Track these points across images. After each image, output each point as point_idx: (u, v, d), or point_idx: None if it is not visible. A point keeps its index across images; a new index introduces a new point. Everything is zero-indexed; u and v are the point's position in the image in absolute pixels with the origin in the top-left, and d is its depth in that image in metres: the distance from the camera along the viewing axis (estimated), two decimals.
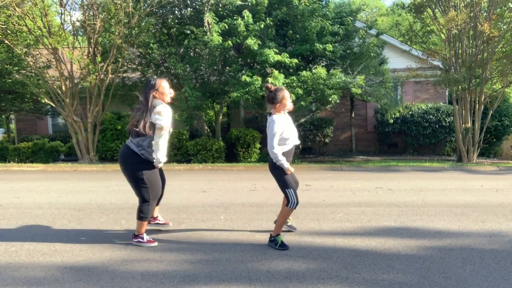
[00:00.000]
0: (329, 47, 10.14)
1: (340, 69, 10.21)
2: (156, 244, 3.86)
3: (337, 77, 9.84)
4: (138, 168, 3.71)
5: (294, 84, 9.82)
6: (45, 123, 16.02)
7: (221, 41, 9.72)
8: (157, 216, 4.34)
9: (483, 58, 10.97)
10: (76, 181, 8.02)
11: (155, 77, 3.94)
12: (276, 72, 9.60)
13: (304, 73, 9.82)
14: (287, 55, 9.79)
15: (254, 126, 13.14)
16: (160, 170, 3.96)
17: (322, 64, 11.13)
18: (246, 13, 9.85)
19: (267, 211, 5.22)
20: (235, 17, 9.91)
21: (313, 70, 9.84)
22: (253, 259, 3.50)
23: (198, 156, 11.47)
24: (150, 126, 3.61)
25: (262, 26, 9.94)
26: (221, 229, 4.39)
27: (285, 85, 9.79)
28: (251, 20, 9.85)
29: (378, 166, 10.42)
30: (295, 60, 9.90)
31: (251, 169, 10.06)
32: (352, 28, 11.42)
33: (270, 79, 9.50)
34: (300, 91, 9.78)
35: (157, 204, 4.10)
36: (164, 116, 3.62)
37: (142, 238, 3.85)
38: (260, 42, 9.84)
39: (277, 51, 9.83)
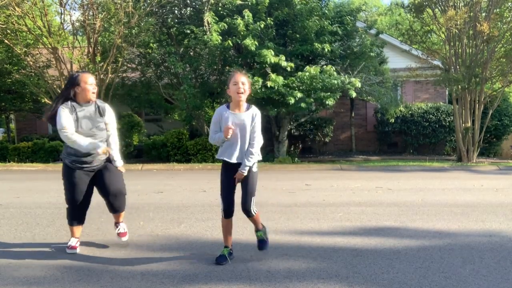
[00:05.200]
0: (328, 46, 10.13)
1: (334, 68, 10.14)
2: (75, 251, 3.64)
3: (332, 77, 9.80)
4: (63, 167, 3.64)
5: (294, 85, 9.81)
6: (45, 122, 15.92)
7: (220, 40, 9.70)
8: (119, 222, 3.86)
9: (483, 57, 10.97)
10: None
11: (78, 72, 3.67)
12: (273, 75, 9.57)
13: (299, 74, 9.79)
14: (284, 58, 9.75)
15: None
16: (103, 173, 3.59)
17: (321, 63, 11.12)
18: (246, 12, 9.84)
19: (267, 210, 5.22)
20: (235, 17, 9.90)
21: (309, 69, 9.80)
22: (253, 258, 3.50)
23: (198, 156, 11.46)
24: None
25: (263, 26, 9.93)
26: (221, 229, 4.38)
27: (284, 86, 9.78)
28: (251, 20, 9.84)
29: (378, 165, 10.42)
30: (291, 64, 9.87)
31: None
32: (352, 27, 11.41)
33: (269, 83, 9.50)
34: (299, 94, 9.76)
35: (111, 211, 3.73)
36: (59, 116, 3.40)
37: (68, 241, 3.73)
38: (257, 43, 9.79)
39: (273, 52, 9.78)
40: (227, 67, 11.36)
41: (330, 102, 10.13)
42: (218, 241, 3.97)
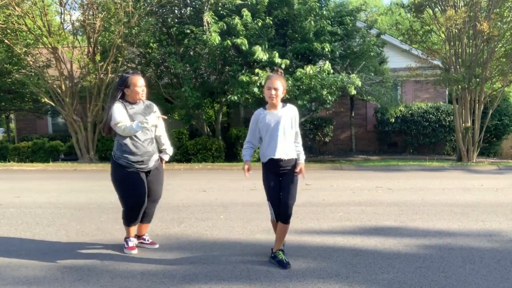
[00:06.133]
0: (327, 46, 10.13)
1: (332, 67, 10.13)
2: (134, 252, 3.64)
3: (330, 75, 9.80)
4: (112, 170, 3.59)
5: (288, 83, 9.79)
6: (45, 122, 16.00)
7: (219, 40, 9.69)
8: (143, 235, 3.88)
9: (483, 57, 10.96)
10: (76, 181, 8.01)
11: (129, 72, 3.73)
12: (260, 71, 9.54)
13: (298, 72, 9.79)
14: (277, 55, 9.73)
15: None
16: (152, 178, 3.64)
17: (321, 63, 11.11)
18: (245, 12, 9.84)
19: (267, 210, 5.21)
20: (233, 16, 9.89)
21: (305, 68, 9.79)
22: (253, 258, 3.50)
23: (198, 156, 11.46)
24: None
25: (260, 24, 9.90)
26: (221, 229, 4.39)
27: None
28: (249, 19, 9.83)
29: (378, 165, 10.42)
30: (286, 61, 9.85)
31: (251, 169, 10.04)
32: (352, 27, 11.40)
33: (255, 77, 9.45)
34: (297, 91, 9.76)
35: (142, 220, 3.72)
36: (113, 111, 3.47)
37: (126, 242, 3.72)
38: (247, 43, 9.75)
39: (264, 48, 9.77)
40: (227, 67, 11.36)
41: (330, 98, 10.11)
42: (218, 241, 3.98)
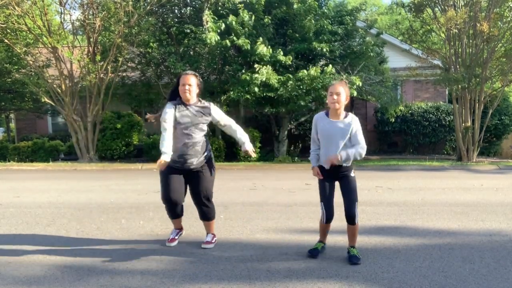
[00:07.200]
0: (327, 46, 10.12)
1: (334, 69, 10.14)
2: (173, 244, 3.83)
3: (332, 76, 9.79)
4: None
5: (289, 82, 9.79)
6: (45, 122, 16.00)
7: (216, 39, 9.68)
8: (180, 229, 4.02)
9: (483, 57, 10.96)
10: (76, 180, 8.01)
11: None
12: (264, 69, 9.54)
13: (301, 73, 9.79)
14: (281, 52, 9.74)
15: (254, 125, 13.14)
16: (193, 177, 3.67)
17: (321, 63, 11.12)
18: (240, 10, 9.84)
19: (267, 210, 5.22)
20: (229, 15, 9.89)
21: (310, 70, 9.81)
22: (253, 258, 3.50)
23: None
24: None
25: (254, 19, 9.88)
26: (221, 228, 4.39)
27: (279, 83, 9.77)
28: (246, 17, 9.82)
29: (378, 165, 10.42)
30: (289, 57, 9.85)
31: (251, 168, 10.06)
32: (352, 27, 11.40)
33: (258, 76, 9.46)
34: (298, 91, 9.76)
35: (175, 216, 3.81)
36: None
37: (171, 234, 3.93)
38: (249, 42, 9.77)
39: (267, 45, 9.77)
40: (227, 67, 11.36)
41: None
42: (218, 241, 3.97)
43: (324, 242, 3.64)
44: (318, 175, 3.42)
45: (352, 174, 3.41)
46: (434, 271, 3.19)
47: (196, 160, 3.62)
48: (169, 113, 3.54)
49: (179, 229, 4.01)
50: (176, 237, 3.92)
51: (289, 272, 3.19)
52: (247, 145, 3.76)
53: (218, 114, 3.76)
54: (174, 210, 3.73)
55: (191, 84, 3.55)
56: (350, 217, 3.38)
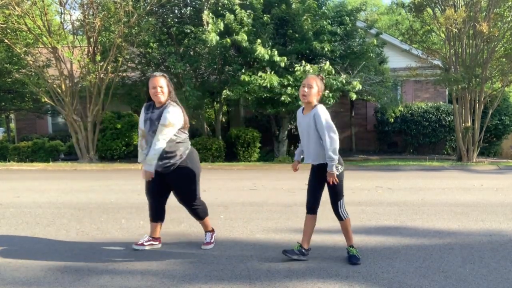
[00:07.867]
0: (327, 46, 10.12)
1: (333, 68, 10.14)
2: (137, 247, 3.69)
3: (331, 76, 9.79)
4: None
5: (290, 83, 9.78)
6: (45, 122, 16.00)
7: (216, 39, 9.68)
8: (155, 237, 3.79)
9: (483, 57, 10.96)
10: (76, 181, 8.01)
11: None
12: (264, 74, 9.59)
13: (297, 72, 9.78)
14: (276, 53, 9.73)
15: (254, 125, 13.14)
16: (168, 181, 3.62)
17: (321, 63, 11.11)
18: (237, 8, 9.85)
19: (267, 210, 5.22)
20: (226, 14, 9.89)
21: (305, 66, 9.79)
22: (253, 258, 3.50)
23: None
24: None
25: (252, 17, 9.88)
26: (221, 228, 4.39)
27: (279, 85, 9.78)
28: (244, 15, 9.82)
29: (378, 165, 10.42)
30: (284, 58, 9.84)
31: (251, 168, 10.06)
32: (353, 27, 11.40)
33: (258, 79, 9.49)
34: (296, 92, 9.77)
35: (152, 216, 3.73)
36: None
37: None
38: (247, 39, 9.78)
39: (265, 45, 9.77)
40: (227, 67, 11.36)
41: (330, 102, 10.11)
42: (218, 240, 3.97)
43: (301, 244, 3.43)
44: (293, 169, 3.71)
45: (336, 172, 3.41)
46: (434, 271, 3.19)
47: (157, 163, 3.49)
48: (140, 119, 3.68)
49: (153, 238, 3.75)
50: (145, 244, 3.70)
51: (289, 272, 3.19)
52: (144, 164, 3.54)
53: (163, 118, 3.43)
54: (151, 208, 3.74)
55: (162, 85, 3.48)
56: (335, 213, 3.55)
